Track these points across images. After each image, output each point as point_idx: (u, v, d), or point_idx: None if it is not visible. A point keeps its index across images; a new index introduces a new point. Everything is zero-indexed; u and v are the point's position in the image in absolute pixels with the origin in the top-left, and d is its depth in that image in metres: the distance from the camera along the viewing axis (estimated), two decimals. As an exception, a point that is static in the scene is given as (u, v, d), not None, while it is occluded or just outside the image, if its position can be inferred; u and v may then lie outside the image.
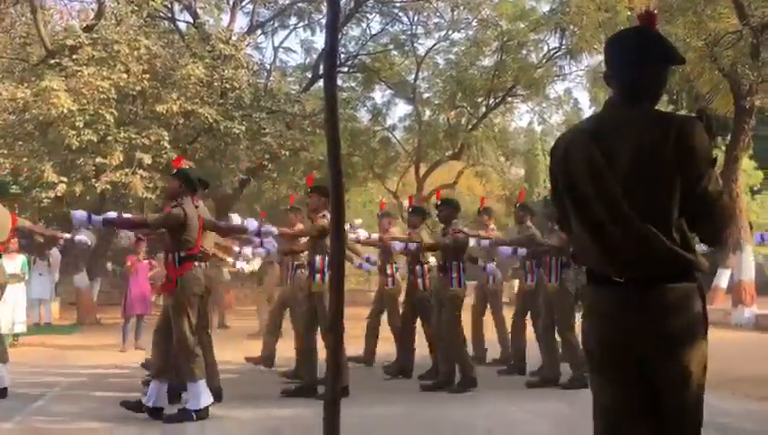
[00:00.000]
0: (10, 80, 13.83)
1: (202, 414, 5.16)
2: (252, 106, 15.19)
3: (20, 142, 13.23)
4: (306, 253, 6.55)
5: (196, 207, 5.61)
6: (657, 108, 2.27)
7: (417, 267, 7.13)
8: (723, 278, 14.46)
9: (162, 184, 13.49)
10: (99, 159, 12.45)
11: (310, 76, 20.06)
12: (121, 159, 12.54)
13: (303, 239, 6.74)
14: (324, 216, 6.06)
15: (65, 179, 12.24)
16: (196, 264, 5.39)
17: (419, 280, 7.10)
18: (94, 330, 12.04)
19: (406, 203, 26.12)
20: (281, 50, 23.33)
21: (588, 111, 29.65)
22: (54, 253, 13.20)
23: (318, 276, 6.11)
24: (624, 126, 2.18)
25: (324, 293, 5.89)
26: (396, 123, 23.37)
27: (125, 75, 12.71)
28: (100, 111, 12.29)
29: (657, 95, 2.28)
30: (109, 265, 15.84)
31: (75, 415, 5.44)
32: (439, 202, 6.99)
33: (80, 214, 5.46)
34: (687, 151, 2.09)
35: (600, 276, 2.24)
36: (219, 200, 17.26)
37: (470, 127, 21.28)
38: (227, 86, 14.47)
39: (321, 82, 20.48)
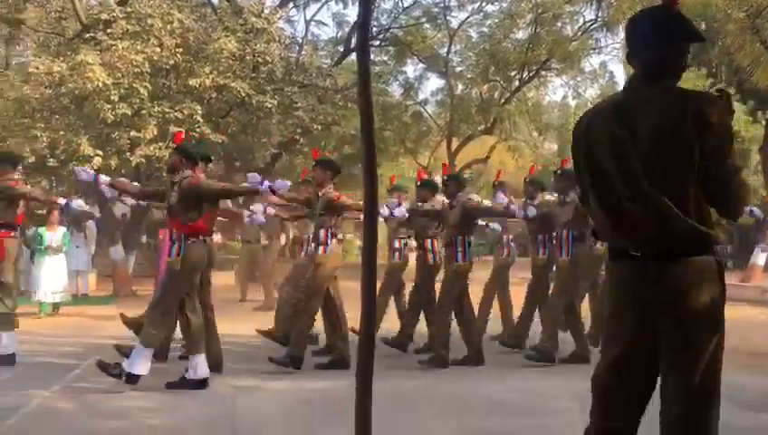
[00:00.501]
0: (46, 54, 14.00)
1: (200, 384, 5.33)
2: (284, 80, 15.18)
3: (56, 116, 13.41)
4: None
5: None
6: (678, 85, 2.30)
7: (427, 241, 7.03)
8: (760, 256, 14.17)
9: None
10: (133, 133, 12.58)
11: (342, 50, 19.97)
12: (155, 132, 12.66)
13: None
14: (329, 189, 6.21)
15: (101, 153, 12.40)
16: (199, 238, 5.44)
17: (429, 254, 6.98)
18: (129, 301, 12.24)
19: (438, 178, 26.02)
20: (313, 23, 23.39)
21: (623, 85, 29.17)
22: (90, 225, 13.43)
23: (321, 248, 6.18)
24: (645, 104, 2.23)
25: (325, 264, 6.12)
26: (428, 97, 23.31)
27: (158, 49, 12.77)
28: (135, 85, 12.38)
29: (677, 73, 2.32)
30: (144, 238, 16.11)
31: (111, 383, 5.56)
32: (446, 177, 6.99)
33: (87, 172, 5.62)
34: (705, 128, 2.13)
35: (619, 251, 2.30)
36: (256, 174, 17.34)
37: (503, 101, 21.03)
38: (259, 60, 14.46)
39: (353, 56, 20.39)
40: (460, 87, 22.04)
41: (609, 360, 2.32)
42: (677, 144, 2.15)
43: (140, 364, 5.19)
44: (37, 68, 12.73)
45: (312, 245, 6.40)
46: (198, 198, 5.42)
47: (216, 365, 5.77)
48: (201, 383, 5.34)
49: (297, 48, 19.53)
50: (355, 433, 2.50)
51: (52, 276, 10.15)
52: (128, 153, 12.70)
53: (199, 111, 13.06)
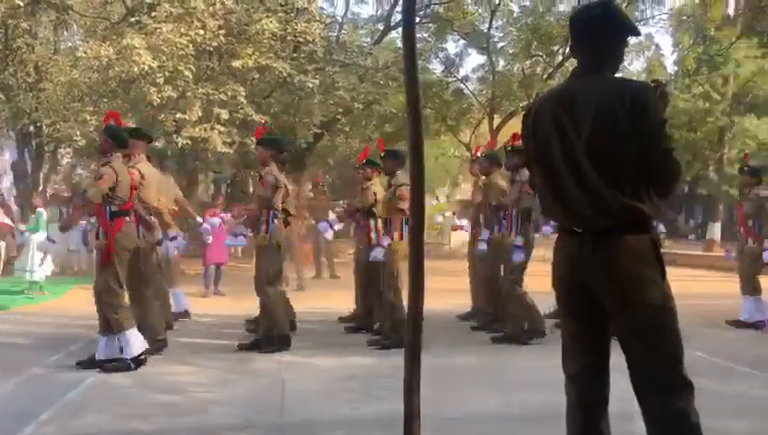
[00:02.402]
0: (93, 38, 14.29)
1: (141, 360, 5.30)
2: (324, 59, 15.21)
3: (104, 99, 13.72)
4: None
5: (137, 162, 5.79)
6: (617, 74, 2.56)
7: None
8: (717, 231, 14.84)
9: (239, 139, 13.82)
10: (179, 115, 12.79)
11: (382, 28, 19.86)
12: (200, 114, 12.85)
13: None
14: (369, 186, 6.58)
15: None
16: (128, 219, 5.44)
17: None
18: (178, 279, 12.55)
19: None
20: (352, 2, 23.17)
21: (671, 57, 28.35)
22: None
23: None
24: (587, 92, 2.42)
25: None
26: (469, 74, 22.95)
27: (201, 31, 12.92)
28: (179, 68, 12.56)
29: (616, 64, 2.54)
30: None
31: (161, 359, 5.74)
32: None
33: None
34: (641, 114, 2.32)
35: (563, 227, 2.55)
36: (294, 154, 17.50)
37: (546, 76, 20.65)
38: (300, 40, 14.52)
39: (393, 34, 20.29)
40: (502, 63, 21.73)
41: (565, 330, 2.60)
42: (616, 129, 2.33)
43: (134, 345, 5.27)
44: (85, 52, 13.02)
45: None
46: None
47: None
48: (141, 359, 5.32)
49: (337, 27, 19.50)
50: (404, 408, 2.56)
51: (30, 255, 10.14)
52: (174, 135, 12.93)
53: (242, 93, 13.20)
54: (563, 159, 2.43)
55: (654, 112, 2.34)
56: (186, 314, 7.83)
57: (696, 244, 22.34)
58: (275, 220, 6.16)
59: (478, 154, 7.48)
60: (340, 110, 16.16)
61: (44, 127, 16.51)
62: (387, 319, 6.37)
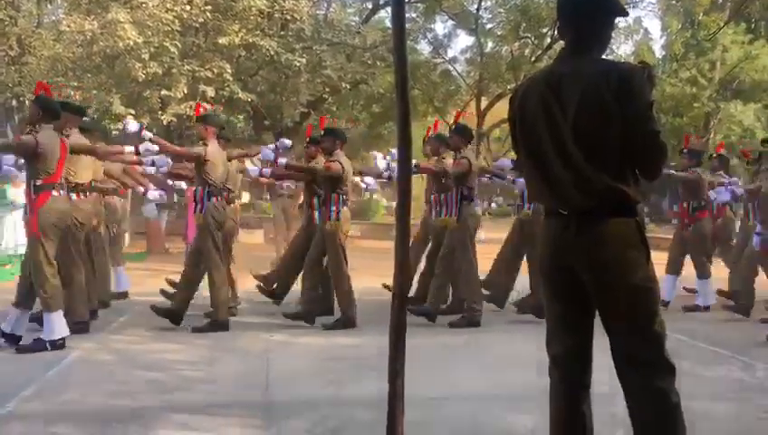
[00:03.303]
0: (77, 12, 14.05)
1: (58, 345, 5.12)
2: (312, 38, 15.09)
3: (89, 75, 13.54)
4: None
5: (67, 136, 5.65)
6: (605, 55, 2.58)
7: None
8: None
9: (226, 117, 13.71)
10: (164, 92, 12.66)
11: (370, 7, 19.71)
12: (185, 91, 12.73)
13: None
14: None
15: (133, 112, 12.52)
16: (55, 193, 5.22)
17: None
18: (162, 258, 12.51)
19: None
20: (341, -20, 22.90)
21: (659, 41, 28.40)
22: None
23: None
24: (574, 73, 2.42)
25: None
26: (457, 56, 22.91)
27: (188, 7, 12.75)
28: (165, 44, 12.41)
29: (603, 45, 2.54)
30: (175, 196, 16.30)
31: (147, 337, 5.74)
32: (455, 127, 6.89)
33: (134, 124, 6.19)
34: (628, 95, 2.31)
35: (549, 210, 2.55)
36: (279, 133, 17.42)
37: (534, 59, 20.60)
38: (288, 17, 14.37)
39: (381, 13, 20.15)
40: (490, 45, 21.66)
41: (549, 311, 2.59)
42: (602, 111, 2.33)
43: (57, 327, 5.13)
44: (69, 26, 12.81)
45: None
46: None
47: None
48: (59, 344, 5.16)
49: (325, 5, 19.35)
50: (388, 388, 2.58)
51: (16, 230, 10.18)
52: (159, 112, 12.81)
53: (228, 70, 13.08)
54: (550, 141, 2.43)
55: (641, 94, 2.34)
56: (125, 294, 7.66)
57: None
58: (212, 198, 6.10)
59: (429, 135, 7.39)
60: (328, 89, 16.06)
61: (27, 101, 16.28)
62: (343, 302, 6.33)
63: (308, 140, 7.23)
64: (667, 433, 2.35)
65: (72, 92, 12.72)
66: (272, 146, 7.08)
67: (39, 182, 5.15)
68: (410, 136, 2.73)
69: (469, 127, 7.28)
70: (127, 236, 14.50)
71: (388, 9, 20.72)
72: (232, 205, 6.80)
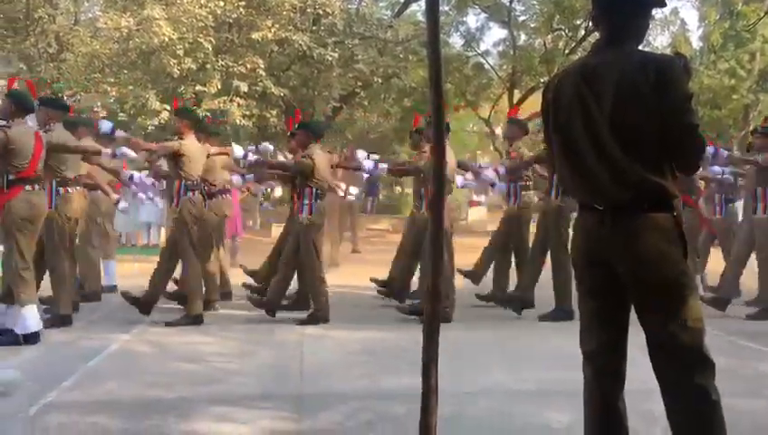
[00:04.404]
0: (113, 9, 14.28)
1: (30, 339, 5.09)
2: (344, 32, 15.12)
3: (125, 71, 13.76)
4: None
5: (47, 131, 5.61)
6: (641, 47, 2.49)
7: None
8: None
9: (258, 112, 13.83)
10: (198, 87, 12.81)
11: (402, 0, 19.66)
12: (219, 86, 12.86)
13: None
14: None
15: (167, 107, 12.69)
16: (28, 187, 5.18)
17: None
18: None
19: (499, 130, 25.54)
20: (372, -27, 22.87)
21: (696, 33, 27.84)
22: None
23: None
24: (609, 66, 2.37)
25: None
26: (489, 49, 22.77)
27: (222, 3, 12.88)
28: (199, 40, 12.56)
29: (639, 36, 2.48)
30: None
31: (183, 329, 5.82)
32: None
33: (106, 124, 6.25)
34: (666, 87, 2.27)
35: (583, 203, 2.52)
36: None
37: (568, 51, 20.37)
38: (320, 12, 14.42)
39: (413, 7, 20.09)
40: (523, 37, 21.47)
41: (583, 306, 2.55)
42: (639, 103, 2.29)
43: (29, 321, 5.10)
44: (105, 23, 13.03)
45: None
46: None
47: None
48: (33, 337, 5.14)
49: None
50: (422, 382, 2.58)
51: None
52: (193, 107, 12.95)
53: (261, 65, 13.19)
54: (585, 134, 2.38)
55: (679, 85, 2.29)
56: (114, 288, 7.60)
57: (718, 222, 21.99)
58: (188, 192, 6.09)
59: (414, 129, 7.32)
60: (360, 83, 16.09)
61: (65, 97, 16.61)
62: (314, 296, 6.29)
63: (289, 133, 7.17)
64: (705, 431, 2.30)
65: (109, 88, 12.96)
66: (252, 147, 7.21)
67: (11, 177, 5.14)
68: (443, 130, 2.71)
69: (523, 120, 7.29)
70: (162, 230, 14.71)
71: (421, 3, 20.67)
72: (216, 199, 6.86)
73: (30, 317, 5.12)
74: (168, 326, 5.88)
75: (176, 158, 6.11)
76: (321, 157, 6.37)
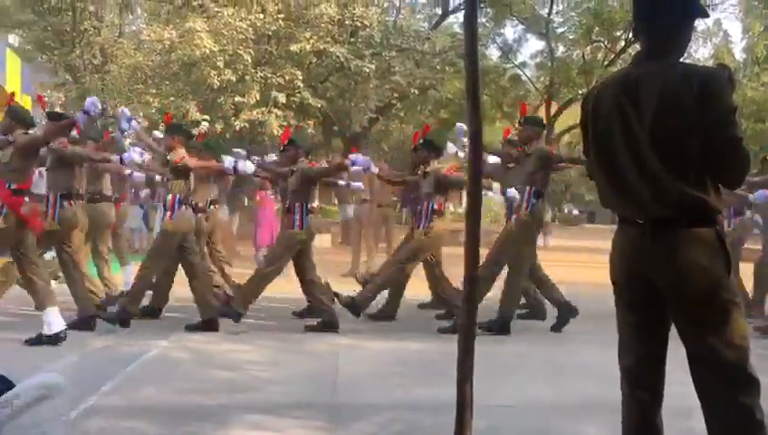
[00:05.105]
0: (157, 22, 14.61)
1: (58, 338, 5.33)
2: (381, 44, 15.21)
3: (167, 82, 14.04)
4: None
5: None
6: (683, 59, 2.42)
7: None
8: None
9: (296, 123, 13.97)
10: (237, 98, 13.00)
11: (439, 12, 19.72)
12: (258, 97, 13.04)
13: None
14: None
15: (207, 117, 12.91)
16: (28, 199, 5.39)
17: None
18: (234, 260, 12.79)
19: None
20: (410, -15, 22.99)
21: (739, 44, 27.31)
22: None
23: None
24: (651, 78, 2.31)
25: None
26: (527, 60, 22.68)
27: (261, 15, 13.08)
28: (239, 52, 12.76)
29: (682, 48, 2.42)
30: (245, 199, 16.69)
31: (220, 337, 5.89)
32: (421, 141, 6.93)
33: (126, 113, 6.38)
34: (710, 99, 2.21)
35: (623, 218, 2.47)
36: (348, 139, 17.60)
37: (607, 63, 20.23)
38: (358, 24, 14.55)
39: (450, 19, 20.12)
40: (561, 49, 21.37)
41: (622, 321, 2.50)
42: (682, 116, 2.23)
43: (56, 323, 5.32)
44: (149, 36, 13.33)
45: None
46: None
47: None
48: (56, 338, 5.31)
49: (394, 12, 19.46)
50: (457, 395, 2.57)
51: None
52: (232, 118, 13.16)
53: (299, 77, 13.33)
54: (625, 147, 2.34)
55: (723, 98, 2.24)
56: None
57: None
58: (181, 206, 6.19)
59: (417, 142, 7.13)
60: (396, 95, 16.15)
61: (109, 108, 17.01)
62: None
63: (281, 149, 7.20)
64: None
65: (151, 99, 13.23)
66: (236, 157, 7.23)
67: (14, 187, 5.31)
68: (482, 141, 2.71)
69: (539, 117, 7.16)
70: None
71: (458, 15, 20.74)
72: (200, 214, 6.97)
73: (54, 319, 5.33)
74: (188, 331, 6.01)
75: (179, 173, 6.24)
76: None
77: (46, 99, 6.17)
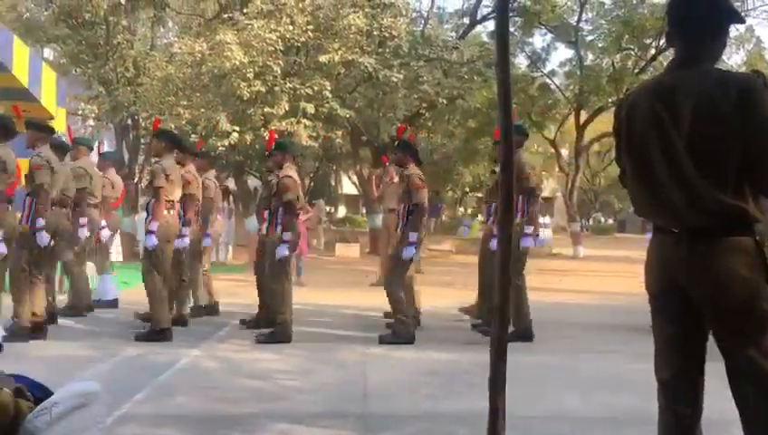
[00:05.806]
0: (188, 35, 14.82)
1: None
2: (409, 54, 15.26)
3: (197, 94, 14.21)
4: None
5: (40, 154, 5.88)
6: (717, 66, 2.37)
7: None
8: None
9: (324, 133, 14.05)
10: (267, 109, 13.12)
11: (467, 22, 19.72)
12: (287, 108, 13.14)
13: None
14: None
15: (237, 128, 13.04)
16: (10, 207, 5.57)
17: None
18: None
19: (565, 152, 25.14)
20: (438, -4, 23.06)
21: (773, 51, 26.83)
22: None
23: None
24: (687, 85, 2.27)
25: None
26: (555, 69, 22.58)
27: (291, 27, 13.19)
28: (268, 63, 12.88)
29: (716, 54, 2.38)
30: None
31: (249, 346, 5.93)
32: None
33: None
34: (748, 107, 2.17)
35: (658, 227, 2.43)
36: (376, 148, 17.65)
37: (637, 71, 20.01)
38: (386, 35, 14.60)
39: (478, 28, 20.11)
40: (590, 57, 21.21)
41: (658, 332, 2.45)
42: (718, 125, 2.19)
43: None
44: (180, 48, 13.53)
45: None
46: None
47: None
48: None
49: (422, 22, 19.51)
50: (489, 404, 2.55)
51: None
52: (261, 129, 13.28)
53: (328, 87, 13.41)
54: (661, 155, 2.29)
55: (763, 105, 2.18)
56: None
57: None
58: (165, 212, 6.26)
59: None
60: (424, 104, 16.17)
61: (141, 120, 17.29)
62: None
63: (267, 154, 7.24)
64: None
65: (182, 111, 13.41)
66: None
67: None
68: (513, 149, 2.70)
69: (413, 143, 7.02)
70: (230, 248, 15.10)
71: (486, 24, 20.73)
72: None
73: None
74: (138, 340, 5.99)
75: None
76: (295, 177, 6.50)
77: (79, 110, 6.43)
